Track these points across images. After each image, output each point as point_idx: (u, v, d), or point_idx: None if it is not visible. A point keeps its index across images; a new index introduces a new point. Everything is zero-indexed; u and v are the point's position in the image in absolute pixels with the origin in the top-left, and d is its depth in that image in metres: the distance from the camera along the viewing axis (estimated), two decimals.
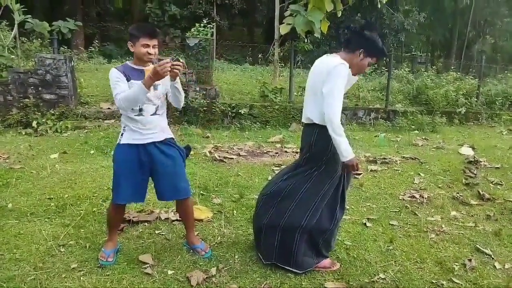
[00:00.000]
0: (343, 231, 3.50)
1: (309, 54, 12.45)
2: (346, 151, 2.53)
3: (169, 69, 2.43)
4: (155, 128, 2.72)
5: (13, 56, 7.91)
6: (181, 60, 2.53)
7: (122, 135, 2.72)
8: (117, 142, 2.75)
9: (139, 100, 2.54)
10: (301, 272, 2.78)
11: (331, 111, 2.49)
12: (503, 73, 12.99)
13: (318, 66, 2.72)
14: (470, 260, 3.10)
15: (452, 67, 12.80)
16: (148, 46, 2.58)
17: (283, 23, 8.23)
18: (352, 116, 9.04)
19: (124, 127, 2.72)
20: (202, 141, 6.69)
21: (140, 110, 2.65)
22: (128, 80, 2.59)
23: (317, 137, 2.68)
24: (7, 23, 8.79)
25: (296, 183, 2.76)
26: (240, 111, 8.10)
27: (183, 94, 2.83)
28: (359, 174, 2.81)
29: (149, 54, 2.59)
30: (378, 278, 2.80)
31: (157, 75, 2.43)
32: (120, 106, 2.57)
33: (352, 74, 2.69)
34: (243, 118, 8.10)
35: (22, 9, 7.83)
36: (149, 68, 2.68)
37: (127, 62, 2.73)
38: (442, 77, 10.83)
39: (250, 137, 7.23)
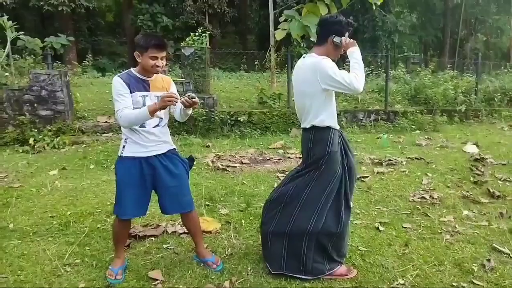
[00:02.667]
0: (356, 236, 3.41)
1: None
2: (359, 59, 2.59)
3: (175, 101, 2.42)
4: (158, 140, 2.64)
5: (7, 74, 7.80)
6: (195, 99, 2.49)
7: (124, 147, 2.62)
8: (119, 154, 2.65)
9: (141, 122, 2.51)
10: (312, 278, 2.70)
11: (352, 87, 2.46)
12: (499, 69, 13.03)
13: (299, 71, 2.70)
14: (489, 260, 3.01)
15: (449, 66, 12.80)
16: (156, 58, 2.49)
17: (278, 28, 8.22)
18: (352, 118, 8.99)
19: (125, 139, 2.62)
20: (203, 151, 6.60)
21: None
22: (131, 91, 2.51)
23: (313, 141, 2.65)
24: None
25: (297, 186, 2.71)
26: (239, 118, 8.03)
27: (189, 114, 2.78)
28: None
29: (157, 66, 2.51)
30: (397, 284, 2.70)
31: (163, 105, 2.42)
32: (121, 123, 2.49)
33: (333, 58, 2.67)
34: (242, 126, 8.02)
35: (14, 26, 7.75)
36: (153, 79, 2.62)
37: (132, 69, 2.62)
38: (440, 76, 10.83)
39: (251, 145, 7.14)
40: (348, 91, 2.53)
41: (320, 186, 2.65)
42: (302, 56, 2.75)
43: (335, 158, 2.63)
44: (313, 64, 2.55)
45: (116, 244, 2.83)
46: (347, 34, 2.65)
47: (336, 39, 2.60)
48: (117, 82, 2.50)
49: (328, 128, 2.63)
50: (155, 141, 2.62)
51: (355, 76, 2.48)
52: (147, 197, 2.71)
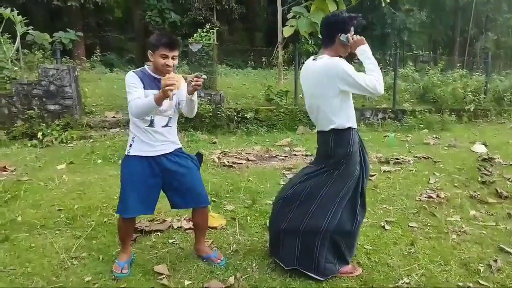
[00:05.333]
0: (362, 234, 3.40)
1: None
2: (371, 58, 2.54)
3: (174, 85, 2.32)
4: (166, 140, 2.65)
5: (16, 68, 7.87)
6: (203, 76, 2.49)
7: (130, 146, 2.61)
8: (126, 153, 2.64)
9: (150, 112, 2.49)
10: (323, 279, 2.68)
11: (374, 90, 2.44)
12: (510, 69, 12.89)
13: (310, 73, 2.62)
14: (495, 260, 2.99)
15: (458, 64, 12.68)
16: (166, 57, 2.48)
17: (286, 25, 8.19)
18: (359, 116, 8.95)
19: (133, 137, 2.61)
20: (209, 147, 6.62)
21: (152, 121, 2.57)
22: (144, 88, 2.51)
23: (334, 144, 2.59)
24: (9, 35, 8.78)
25: (315, 185, 2.67)
26: (245, 115, 8.03)
27: (197, 105, 2.76)
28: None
29: (167, 66, 2.49)
30: (402, 283, 2.70)
31: (166, 90, 2.34)
32: (131, 112, 2.48)
33: (343, 56, 2.63)
34: (249, 123, 8.03)
35: (24, 21, 7.80)
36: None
37: (146, 67, 2.63)
38: (449, 75, 10.74)
39: (257, 142, 7.15)
40: (368, 94, 2.50)
41: (338, 185, 2.62)
42: (312, 58, 2.67)
43: (355, 158, 2.60)
44: (330, 65, 2.48)
45: (122, 241, 2.84)
46: (352, 29, 2.59)
47: (342, 37, 2.54)
48: (132, 77, 2.51)
49: (349, 128, 2.59)
50: (162, 140, 2.62)
51: (376, 79, 2.44)
52: (154, 196, 2.71)
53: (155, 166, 2.62)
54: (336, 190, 2.62)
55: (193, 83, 2.49)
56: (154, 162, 2.62)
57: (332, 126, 2.58)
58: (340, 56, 2.61)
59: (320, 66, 2.54)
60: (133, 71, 2.57)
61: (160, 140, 2.61)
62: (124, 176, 2.63)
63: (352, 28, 2.59)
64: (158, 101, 2.37)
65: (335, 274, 2.71)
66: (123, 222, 2.73)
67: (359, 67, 2.68)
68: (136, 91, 2.47)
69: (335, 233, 2.64)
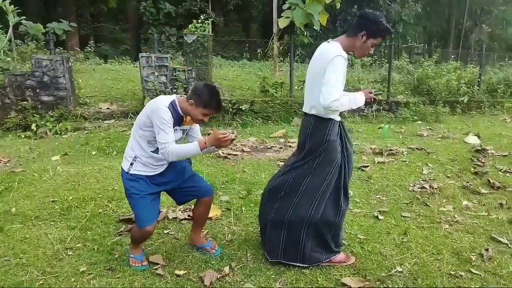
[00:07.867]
0: (355, 224, 3.44)
1: (308, 48, 12.35)
2: (356, 102, 2.58)
3: (229, 143, 2.45)
4: (165, 164, 2.67)
5: (9, 59, 7.77)
6: (235, 135, 2.50)
7: (131, 164, 2.59)
8: (126, 170, 2.59)
9: (188, 157, 2.57)
10: (308, 265, 2.72)
11: (326, 99, 2.39)
12: (504, 61, 12.90)
13: (318, 55, 2.63)
14: (487, 249, 3.04)
15: (453, 56, 12.69)
16: (207, 115, 2.51)
17: (282, 16, 8.15)
18: (354, 108, 8.95)
19: (135, 157, 2.58)
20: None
21: (157, 149, 2.55)
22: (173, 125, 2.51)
23: (312, 128, 2.63)
24: (1, 25, 8.67)
25: (297, 175, 2.70)
26: (241, 107, 8.00)
27: None
28: (375, 99, 2.75)
29: (203, 121, 2.55)
30: (395, 272, 2.73)
31: (216, 143, 2.43)
32: (167, 158, 2.46)
33: (357, 56, 2.65)
34: (244, 114, 8.01)
35: (16, 11, 7.70)
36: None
37: (176, 100, 2.53)
38: (443, 67, 10.75)
39: (252, 133, 7.15)
40: (321, 98, 2.42)
41: (320, 175, 2.64)
42: (327, 41, 2.67)
43: (333, 147, 2.62)
44: (331, 51, 2.46)
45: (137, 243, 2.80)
46: (379, 40, 2.57)
47: None
48: (167, 115, 2.44)
49: (329, 119, 2.61)
50: (162, 164, 2.65)
51: (340, 101, 2.40)
52: (158, 201, 2.74)
53: (152, 182, 2.64)
54: (319, 180, 2.64)
55: (232, 141, 2.49)
56: (152, 179, 2.64)
57: (313, 112, 2.62)
58: (352, 52, 2.62)
59: (326, 48, 2.55)
60: (168, 108, 2.46)
61: (160, 164, 2.64)
62: (132, 191, 2.59)
63: (380, 40, 2.58)
64: (203, 149, 2.45)
65: (322, 262, 2.75)
66: (145, 232, 2.61)
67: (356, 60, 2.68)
68: (170, 132, 2.44)
69: (319, 223, 2.66)
